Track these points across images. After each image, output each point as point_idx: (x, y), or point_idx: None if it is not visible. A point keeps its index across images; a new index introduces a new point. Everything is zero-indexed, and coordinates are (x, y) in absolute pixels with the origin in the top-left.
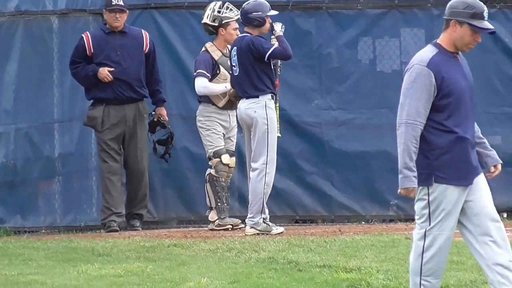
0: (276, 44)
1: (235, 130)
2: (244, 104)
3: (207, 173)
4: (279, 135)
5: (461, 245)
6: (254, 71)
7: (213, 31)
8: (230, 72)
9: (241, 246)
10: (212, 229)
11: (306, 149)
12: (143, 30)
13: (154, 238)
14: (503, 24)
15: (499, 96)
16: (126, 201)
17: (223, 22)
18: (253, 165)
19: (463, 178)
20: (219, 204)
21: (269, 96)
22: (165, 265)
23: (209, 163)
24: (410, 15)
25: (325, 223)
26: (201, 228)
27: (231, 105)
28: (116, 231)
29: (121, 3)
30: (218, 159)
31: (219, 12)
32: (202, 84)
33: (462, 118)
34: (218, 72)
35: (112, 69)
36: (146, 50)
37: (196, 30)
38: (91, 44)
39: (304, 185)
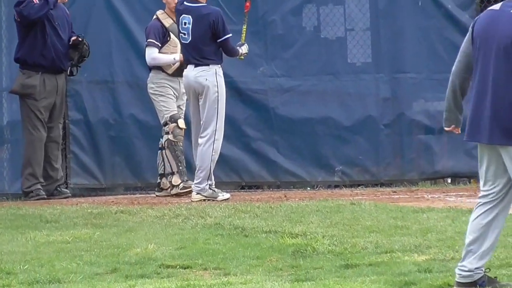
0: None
1: (184, 98)
2: (193, 72)
3: (164, 139)
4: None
5: (406, 210)
6: (207, 42)
7: None
8: (179, 39)
9: (188, 213)
10: (177, 194)
11: (252, 116)
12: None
13: (101, 204)
14: None
15: (443, 62)
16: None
17: None
18: (203, 132)
19: None
20: (180, 168)
21: (219, 65)
22: (112, 232)
23: (165, 128)
24: None
25: (271, 189)
26: (148, 195)
27: (181, 72)
28: (44, 198)
29: None
30: (175, 124)
31: None
32: (151, 55)
33: None
34: (168, 39)
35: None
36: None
37: None
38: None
39: (250, 152)
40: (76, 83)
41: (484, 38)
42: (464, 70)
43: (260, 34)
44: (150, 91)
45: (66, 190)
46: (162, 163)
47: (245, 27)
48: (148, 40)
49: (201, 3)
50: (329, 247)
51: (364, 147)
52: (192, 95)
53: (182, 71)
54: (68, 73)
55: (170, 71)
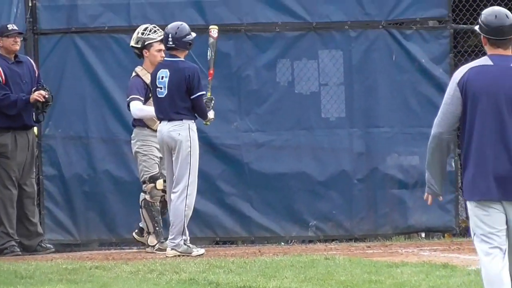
0: (204, 95)
1: None
2: (167, 127)
3: (141, 198)
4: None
5: (380, 265)
6: (182, 97)
7: (139, 54)
8: (154, 93)
9: (162, 268)
10: (151, 253)
11: (226, 171)
12: (28, 57)
13: (76, 260)
14: (419, 45)
15: (416, 116)
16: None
17: (145, 43)
18: (175, 187)
19: None
20: (157, 228)
21: (192, 121)
22: (87, 287)
23: (143, 187)
24: (328, 37)
25: (245, 244)
26: (122, 250)
27: None
28: (19, 255)
29: (15, 27)
30: (152, 184)
31: (142, 34)
32: (137, 107)
33: None
34: (150, 95)
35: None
36: (37, 76)
37: (116, 54)
38: (2, 73)
39: (224, 207)
40: (50, 139)
41: (492, 93)
42: (453, 129)
43: (234, 89)
44: (134, 148)
45: (49, 245)
46: (144, 222)
47: (209, 87)
48: (131, 96)
49: (179, 58)
50: None
51: (338, 202)
52: (166, 151)
53: None
54: (35, 119)
55: (155, 127)
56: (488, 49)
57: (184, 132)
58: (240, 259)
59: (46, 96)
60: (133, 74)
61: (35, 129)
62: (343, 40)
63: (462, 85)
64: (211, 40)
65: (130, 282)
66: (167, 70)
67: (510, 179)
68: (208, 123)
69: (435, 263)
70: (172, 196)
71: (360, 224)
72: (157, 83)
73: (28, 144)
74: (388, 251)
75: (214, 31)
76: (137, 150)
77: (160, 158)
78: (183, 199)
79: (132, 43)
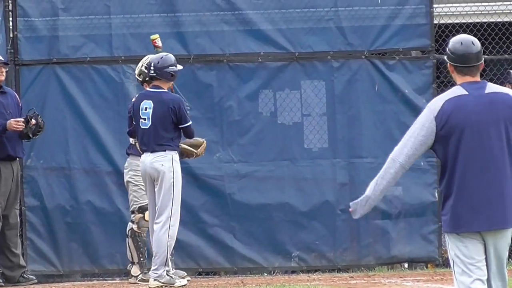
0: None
1: None
2: (149, 158)
3: (128, 227)
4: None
5: None
6: (166, 128)
7: (142, 83)
8: (137, 124)
9: None
10: (134, 283)
11: (209, 201)
12: (10, 88)
13: None
14: (402, 75)
15: None
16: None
17: (147, 78)
18: (158, 218)
19: None
20: (141, 259)
21: (175, 152)
22: None
23: (132, 217)
24: (310, 67)
25: (228, 275)
26: (105, 281)
27: None
28: (1, 286)
29: (1, 58)
30: (141, 215)
31: (145, 68)
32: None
33: None
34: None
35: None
36: (21, 107)
37: (98, 85)
38: None
39: (206, 238)
40: (32, 170)
41: (475, 123)
42: (413, 160)
43: (216, 120)
44: (126, 177)
45: (32, 276)
46: (129, 251)
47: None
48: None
49: (163, 89)
50: None
51: (321, 233)
52: (148, 181)
53: None
54: (25, 136)
55: None
56: (456, 77)
57: (167, 163)
58: None
59: (40, 121)
60: (133, 100)
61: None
62: (325, 71)
63: (441, 119)
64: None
65: None
66: (150, 101)
67: (491, 209)
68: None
69: None
70: (155, 226)
71: (343, 254)
72: (140, 114)
73: (12, 175)
74: (371, 282)
75: (157, 41)
76: (129, 179)
77: None
78: (166, 229)
79: (136, 74)
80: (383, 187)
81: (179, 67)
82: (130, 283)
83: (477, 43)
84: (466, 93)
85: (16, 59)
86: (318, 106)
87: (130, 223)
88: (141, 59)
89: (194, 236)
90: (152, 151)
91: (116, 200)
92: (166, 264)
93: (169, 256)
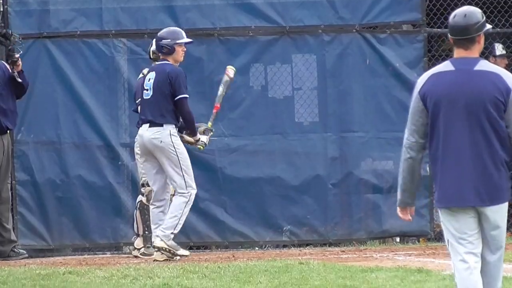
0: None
1: None
2: (148, 133)
3: (137, 200)
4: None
5: (354, 270)
6: (166, 99)
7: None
8: (141, 96)
9: (136, 273)
10: (136, 256)
11: (200, 176)
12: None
13: (49, 265)
14: (393, 49)
15: (390, 120)
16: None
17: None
18: (177, 191)
19: None
20: (146, 232)
21: (173, 125)
22: None
23: (142, 189)
24: (301, 41)
25: (219, 249)
26: (96, 255)
27: None
28: None
29: None
30: (150, 188)
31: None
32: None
33: None
34: None
35: None
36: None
37: (88, 59)
38: None
39: (197, 212)
40: (22, 144)
41: (452, 100)
42: (422, 141)
43: (207, 93)
44: (136, 149)
45: (22, 251)
46: (135, 223)
47: (212, 118)
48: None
49: (169, 62)
50: None
51: (312, 207)
52: (146, 154)
53: None
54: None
55: None
56: (454, 50)
57: (166, 139)
58: (214, 264)
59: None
60: (140, 75)
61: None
62: (316, 44)
63: (423, 95)
64: (226, 78)
65: None
66: (154, 72)
67: (477, 184)
68: (201, 147)
69: (410, 268)
70: (174, 198)
71: (334, 229)
72: (144, 85)
73: (3, 149)
74: (363, 256)
75: (231, 71)
76: (138, 152)
77: None
78: (182, 203)
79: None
80: (402, 180)
81: (184, 40)
82: (134, 255)
83: (472, 16)
84: (453, 68)
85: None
86: (309, 80)
87: (140, 196)
88: (133, 33)
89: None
90: (150, 125)
91: (107, 174)
92: (175, 228)
93: (180, 223)
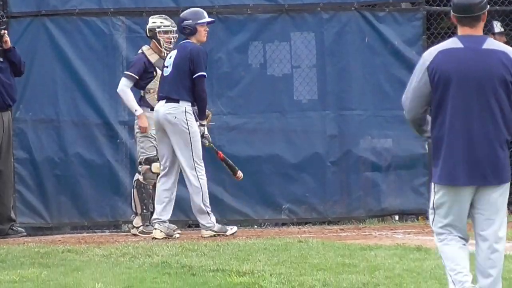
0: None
1: None
2: (164, 108)
3: (134, 178)
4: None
5: (353, 248)
6: (184, 76)
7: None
8: (162, 74)
9: (135, 251)
10: (134, 234)
11: None
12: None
13: (48, 244)
14: (392, 27)
15: (389, 99)
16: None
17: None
18: (184, 171)
19: None
20: (144, 211)
21: (189, 103)
22: (59, 271)
23: (139, 167)
24: (300, 19)
25: None
26: (95, 234)
27: None
28: None
29: None
30: (147, 166)
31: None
32: (123, 85)
33: None
34: (155, 74)
35: None
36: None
37: (87, 37)
38: None
39: None
40: (21, 122)
41: (462, 78)
42: (424, 109)
43: (206, 72)
44: (136, 127)
45: (21, 229)
46: (133, 202)
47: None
48: (125, 72)
49: (190, 41)
50: (277, 285)
51: (311, 185)
52: (161, 131)
53: None
54: None
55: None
56: (458, 28)
57: (180, 115)
58: (213, 242)
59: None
60: (139, 51)
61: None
62: (315, 22)
63: (432, 70)
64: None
65: (102, 266)
66: (176, 50)
67: (481, 164)
68: (208, 143)
69: (409, 246)
70: (186, 180)
71: (333, 207)
72: (165, 62)
73: (3, 126)
74: (362, 234)
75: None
76: (137, 130)
77: None
78: (195, 179)
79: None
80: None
81: (204, 20)
82: (132, 234)
83: None
84: (462, 46)
85: (6, 12)
86: (308, 58)
87: (136, 174)
88: (132, 11)
89: (184, 188)
90: (167, 100)
91: (106, 153)
92: (208, 212)
93: (205, 203)
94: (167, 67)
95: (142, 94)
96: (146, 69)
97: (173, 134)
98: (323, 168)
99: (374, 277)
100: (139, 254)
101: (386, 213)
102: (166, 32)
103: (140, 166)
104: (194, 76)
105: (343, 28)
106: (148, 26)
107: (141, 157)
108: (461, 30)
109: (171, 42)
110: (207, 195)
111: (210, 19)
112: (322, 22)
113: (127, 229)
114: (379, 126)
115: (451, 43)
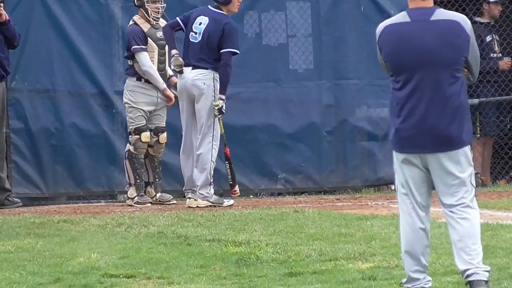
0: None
1: (164, 105)
2: (191, 74)
3: (125, 149)
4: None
5: (350, 218)
6: (214, 46)
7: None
8: (186, 35)
9: (131, 221)
10: (130, 205)
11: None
12: None
13: (43, 214)
14: None
15: None
16: None
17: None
18: (201, 137)
19: None
20: (138, 181)
21: (217, 73)
22: (55, 241)
23: (129, 138)
24: None
25: None
26: (90, 204)
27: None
28: None
29: None
30: (137, 136)
31: None
32: (149, 63)
33: None
34: (146, 44)
35: None
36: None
37: (82, 6)
38: None
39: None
40: (16, 92)
41: (405, 52)
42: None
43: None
44: (124, 98)
45: (17, 199)
46: (126, 173)
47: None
48: (135, 47)
49: (224, 13)
50: (273, 255)
51: (307, 155)
52: (186, 99)
53: (160, 77)
54: None
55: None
56: (409, 1)
57: (209, 82)
58: (208, 212)
59: None
60: (131, 22)
61: None
62: None
63: (380, 46)
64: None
65: (98, 236)
66: (207, 18)
67: (430, 133)
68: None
69: None
70: (198, 146)
71: (329, 176)
72: (193, 27)
73: (1, 97)
74: (358, 204)
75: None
76: (126, 101)
77: (149, 112)
78: (209, 149)
79: None
80: None
81: None
82: (128, 204)
83: None
84: (409, 20)
85: None
86: (304, 27)
87: (127, 145)
88: None
89: (180, 158)
90: (194, 67)
91: (102, 122)
92: (210, 183)
93: (211, 174)
94: (195, 33)
95: (131, 63)
96: (143, 39)
97: (200, 99)
98: (319, 138)
99: (370, 246)
100: (135, 224)
101: (382, 182)
102: (154, 1)
103: (130, 136)
104: (222, 51)
105: None
106: None
107: (130, 127)
108: (411, 3)
109: (158, 12)
110: (213, 167)
111: None
112: None
113: (122, 199)
114: (375, 95)
115: (400, 17)
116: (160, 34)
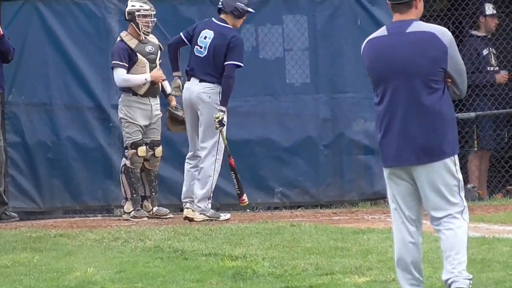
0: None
1: (159, 119)
2: (198, 87)
3: (122, 164)
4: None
5: (346, 232)
6: (220, 61)
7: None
8: (192, 49)
9: (127, 236)
10: (126, 220)
11: None
12: None
13: (40, 228)
14: (384, 9)
15: None
16: None
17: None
18: (202, 150)
19: None
20: (134, 195)
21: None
22: (51, 255)
23: (125, 152)
24: (292, 2)
25: None
26: (87, 218)
27: (152, 92)
28: None
29: None
30: (134, 151)
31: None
32: (121, 77)
33: None
34: (136, 60)
35: None
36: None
37: (79, 20)
38: None
39: None
40: (13, 106)
41: (383, 65)
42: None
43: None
44: (119, 114)
45: (14, 214)
46: (122, 188)
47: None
48: (113, 62)
49: (229, 26)
50: (269, 269)
51: (304, 168)
52: (190, 110)
53: (154, 91)
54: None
55: (141, 92)
56: (393, 16)
57: (214, 96)
58: (205, 226)
59: None
60: (118, 39)
61: None
62: (307, 5)
63: (364, 59)
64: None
65: (94, 250)
66: (212, 32)
67: (409, 145)
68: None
69: None
70: (202, 159)
71: (326, 190)
72: (198, 41)
73: None
74: (354, 218)
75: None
76: (122, 116)
77: (144, 126)
78: (212, 162)
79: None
80: None
81: (250, 10)
82: (124, 219)
83: None
84: (386, 33)
85: None
86: (300, 41)
87: (123, 159)
88: None
89: (176, 172)
90: (201, 80)
91: (98, 136)
92: (209, 198)
93: (212, 188)
94: (201, 47)
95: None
96: (129, 56)
97: (204, 112)
98: (315, 152)
99: (366, 260)
100: (132, 238)
101: (379, 196)
102: (145, 16)
103: (126, 151)
104: (226, 63)
105: (335, 10)
106: (127, 9)
107: (126, 142)
108: (393, 17)
109: (149, 26)
110: (215, 181)
111: (251, 10)
112: (314, 5)
113: (119, 213)
114: (371, 109)
115: (380, 31)
116: (149, 48)
